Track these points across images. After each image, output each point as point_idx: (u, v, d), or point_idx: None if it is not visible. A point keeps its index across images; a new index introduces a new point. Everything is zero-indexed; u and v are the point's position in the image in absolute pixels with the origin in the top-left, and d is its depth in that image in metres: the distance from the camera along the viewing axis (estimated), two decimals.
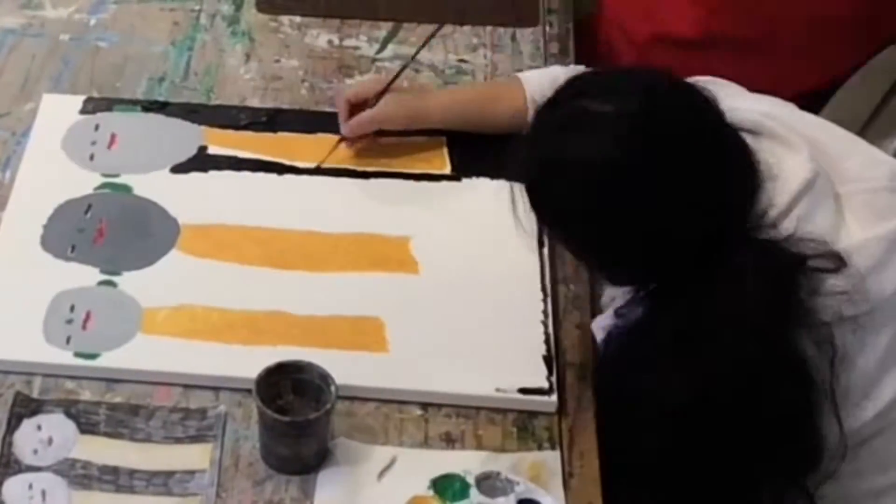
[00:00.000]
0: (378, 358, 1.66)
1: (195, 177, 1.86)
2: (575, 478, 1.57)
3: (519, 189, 1.54)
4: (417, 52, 1.91)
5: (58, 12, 2.11)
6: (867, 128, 2.06)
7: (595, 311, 1.73)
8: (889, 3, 2.06)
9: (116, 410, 1.60)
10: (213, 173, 1.86)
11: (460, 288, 1.73)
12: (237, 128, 1.93)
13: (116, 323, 1.67)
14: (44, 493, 1.52)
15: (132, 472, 1.54)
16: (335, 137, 1.90)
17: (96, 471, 1.54)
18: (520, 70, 2.03)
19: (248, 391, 1.54)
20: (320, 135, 1.92)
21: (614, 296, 1.66)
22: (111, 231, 1.78)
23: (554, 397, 1.62)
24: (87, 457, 1.55)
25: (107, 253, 1.75)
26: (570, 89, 1.53)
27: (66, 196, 1.81)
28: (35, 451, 1.56)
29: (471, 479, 1.52)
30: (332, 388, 1.52)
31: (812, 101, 2.11)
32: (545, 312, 1.71)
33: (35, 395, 1.61)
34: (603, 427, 1.61)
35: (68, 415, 1.59)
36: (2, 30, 2.06)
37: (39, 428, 1.58)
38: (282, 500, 1.53)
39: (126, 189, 1.83)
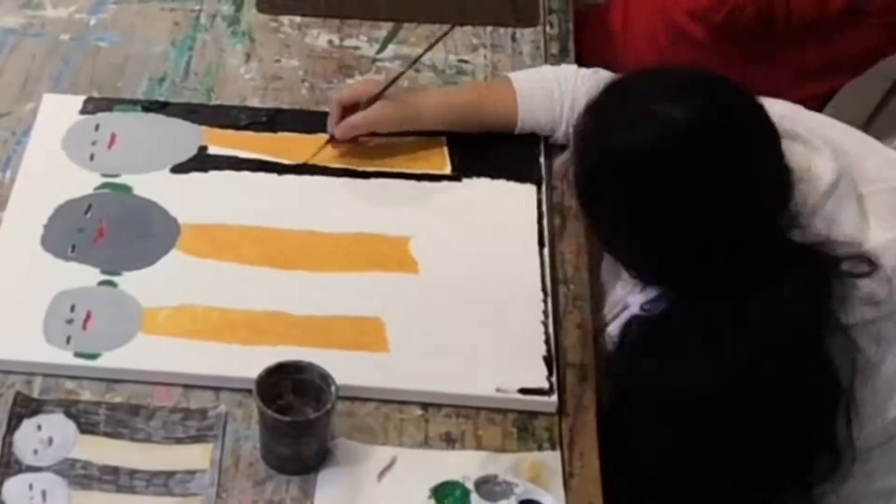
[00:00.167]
0: (378, 358, 1.66)
1: (195, 177, 1.86)
2: (575, 478, 1.57)
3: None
4: (416, 61, 1.90)
5: (58, 12, 2.11)
6: (866, 128, 2.06)
7: (595, 312, 1.73)
8: None
9: (117, 410, 1.60)
10: (213, 173, 1.86)
11: (460, 288, 1.74)
12: (237, 128, 1.93)
13: (117, 323, 1.67)
14: (44, 494, 1.52)
15: (132, 473, 1.54)
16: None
17: (96, 471, 1.54)
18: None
19: (249, 391, 1.54)
20: (320, 135, 1.92)
21: (619, 301, 1.66)
22: (111, 231, 1.78)
23: (554, 397, 1.63)
24: (87, 457, 1.55)
25: (107, 253, 1.75)
26: (632, 86, 1.53)
27: (67, 196, 1.81)
28: (35, 452, 1.56)
29: (470, 485, 1.52)
30: (333, 388, 1.52)
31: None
32: (545, 312, 1.71)
33: (35, 395, 1.61)
34: (605, 424, 1.61)
35: (68, 415, 1.59)
36: (2, 29, 2.06)
37: (40, 428, 1.58)
38: (282, 501, 1.53)
39: (126, 189, 1.83)
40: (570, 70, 1.90)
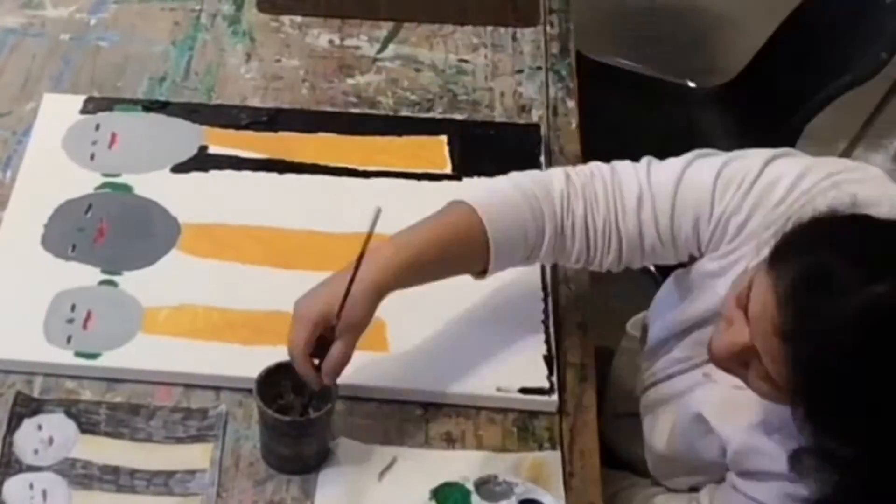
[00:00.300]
0: (378, 358, 1.66)
1: (196, 176, 1.86)
2: (576, 477, 1.57)
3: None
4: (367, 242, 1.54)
5: (58, 12, 2.11)
6: (865, 128, 2.06)
7: (595, 313, 1.73)
8: None
9: (117, 410, 1.60)
10: (213, 173, 1.86)
11: (461, 288, 1.73)
12: (238, 127, 1.93)
13: (117, 323, 1.67)
14: (44, 493, 1.52)
15: (133, 472, 1.55)
16: (336, 137, 1.90)
17: (97, 470, 1.55)
18: (520, 71, 2.04)
19: (249, 391, 1.54)
20: (321, 134, 1.92)
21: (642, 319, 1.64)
22: (112, 231, 1.78)
23: (554, 397, 1.63)
24: (87, 456, 1.56)
25: (107, 252, 1.75)
26: (848, 258, 1.32)
27: (67, 196, 1.81)
28: (36, 451, 1.56)
29: (470, 486, 1.52)
30: (333, 388, 1.52)
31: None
32: (546, 312, 1.71)
33: (36, 394, 1.61)
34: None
35: (69, 414, 1.59)
36: (2, 29, 2.06)
37: (40, 428, 1.58)
38: (282, 500, 1.53)
39: (126, 189, 1.83)
40: (552, 187, 1.61)
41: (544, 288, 1.74)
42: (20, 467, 1.54)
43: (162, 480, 1.54)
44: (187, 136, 1.91)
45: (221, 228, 1.79)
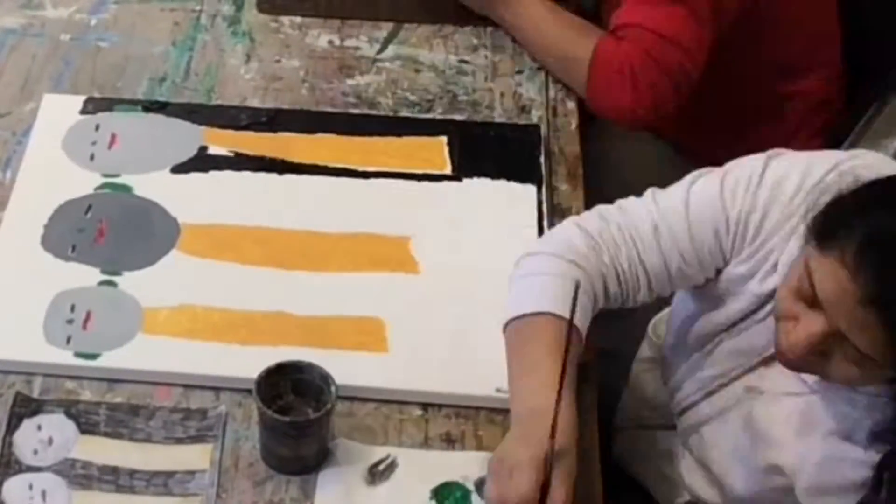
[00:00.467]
0: (378, 358, 1.66)
1: (195, 177, 1.86)
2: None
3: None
4: None
5: (58, 12, 2.10)
6: (864, 129, 2.06)
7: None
8: None
9: (117, 410, 1.60)
10: (213, 173, 1.86)
11: (460, 288, 1.73)
12: (237, 128, 1.92)
13: (117, 323, 1.67)
14: (44, 494, 1.52)
15: (132, 473, 1.54)
16: (336, 137, 1.91)
17: (96, 471, 1.54)
18: (520, 71, 2.04)
19: (249, 391, 1.54)
20: (320, 135, 1.92)
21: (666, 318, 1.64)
22: (111, 231, 1.78)
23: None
24: (87, 457, 1.55)
25: (107, 253, 1.75)
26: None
27: (67, 196, 1.81)
28: (35, 452, 1.56)
29: (470, 486, 1.52)
30: (333, 389, 1.52)
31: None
32: None
33: (35, 395, 1.61)
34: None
35: (68, 415, 1.59)
36: (2, 30, 2.06)
37: (40, 428, 1.58)
38: (282, 501, 1.53)
39: (126, 189, 1.83)
40: (576, 248, 1.60)
41: None
42: (20, 467, 1.54)
43: (161, 481, 1.54)
44: (187, 137, 1.91)
45: (221, 229, 1.79)
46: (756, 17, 1.97)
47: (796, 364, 1.43)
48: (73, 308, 1.68)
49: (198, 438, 1.58)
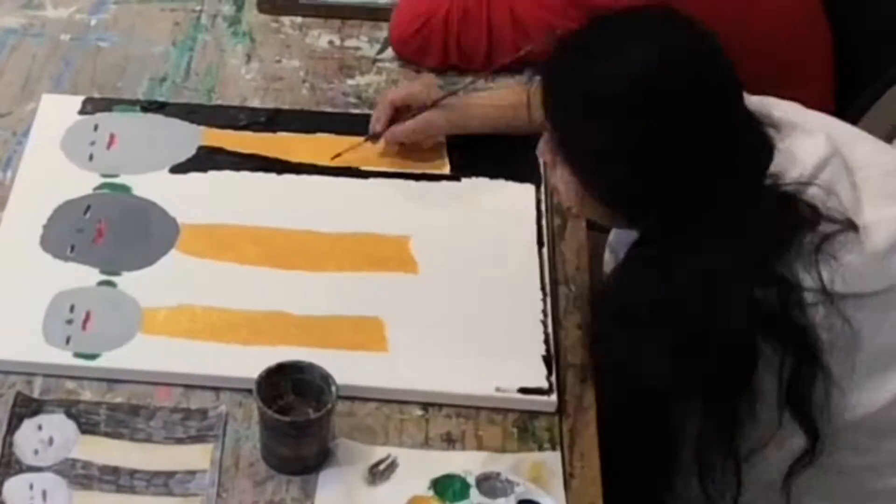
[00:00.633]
0: (378, 358, 1.66)
1: (194, 177, 1.86)
2: (576, 478, 1.57)
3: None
4: (483, 77, 1.88)
5: (58, 12, 2.11)
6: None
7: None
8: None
9: (117, 410, 1.60)
10: (212, 173, 1.86)
11: (460, 288, 1.74)
12: (236, 128, 1.93)
13: (116, 323, 1.67)
14: (44, 494, 1.52)
15: (133, 473, 1.54)
16: (335, 137, 1.90)
17: (97, 471, 1.54)
18: (520, 72, 2.03)
19: (249, 391, 1.54)
20: (320, 135, 1.92)
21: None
22: (110, 231, 1.78)
23: (553, 397, 1.62)
24: (87, 457, 1.55)
25: (106, 253, 1.75)
26: (591, 32, 1.55)
27: (66, 196, 1.81)
28: (36, 452, 1.55)
29: (471, 480, 1.53)
30: (333, 389, 1.52)
31: None
32: (545, 312, 1.71)
33: (36, 395, 1.61)
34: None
35: (69, 415, 1.59)
36: (3, 30, 2.06)
37: (40, 428, 1.58)
38: (282, 501, 1.53)
39: (125, 189, 1.83)
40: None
41: (543, 288, 1.74)
42: (20, 468, 1.54)
43: (162, 481, 1.54)
44: (186, 137, 1.91)
45: (220, 229, 1.79)
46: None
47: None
48: (72, 308, 1.68)
49: (198, 438, 1.58)
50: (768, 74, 1.96)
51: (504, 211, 1.83)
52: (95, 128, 1.91)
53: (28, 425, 1.58)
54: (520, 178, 1.87)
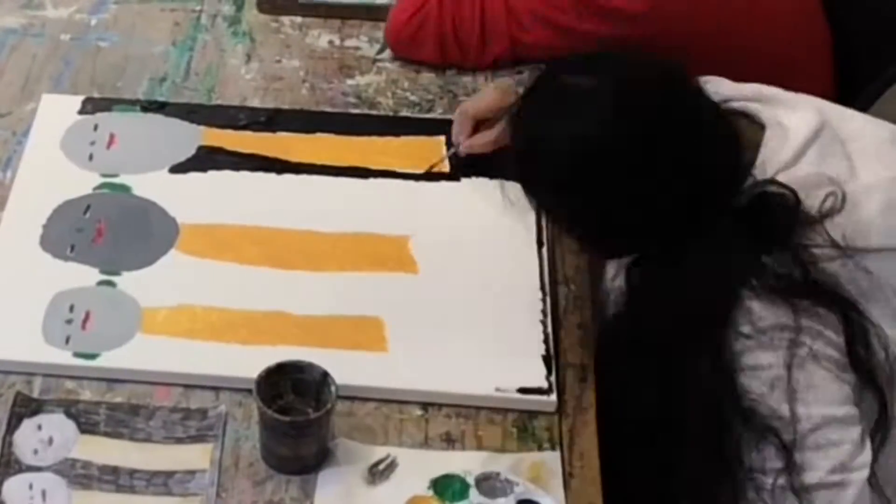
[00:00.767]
0: (378, 358, 1.65)
1: (194, 177, 1.86)
2: (575, 478, 1.57)
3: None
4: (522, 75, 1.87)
5: (58, 12, 2.11)
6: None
7: (594, 309, 1.73)
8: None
9: (117, 410, 1.60)
10: (212, 173, 1.86)
11: (460, 288, 1.73)
12: (236, 128, 1.93)
13: (116, 323, 1.67)
14: (44, 493, 1.52)
15: (132, 472, 1.54)
16: (335, 137, 1.90)
17: (96, 471, 1.54)
18: (520, 71, 2.03)
19: (249, 391, 1.54)
20: (319, 134, 1.92)
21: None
22: (110, 231, 1.78)
23: (553, 397, 1.62)
24: (87, 457, 1.55)
25: (106, 253, 1.75)
26: (550, 71, 1.58)
27: (65, 196, 1.81)
28: (35, 451, 1.55)
29: (471, 480, 1.53)
30: (333, 388, 1.52)
31: None
32: (544, 312, 1.71)
33: (35, 395, 1.61)
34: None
35: (69, 415, 1.59)
36: (3, 30, 2.06)
37: (40, 428, 1.57)
38: (282, 500, 1.53)
39: (125, 189, 1.83)
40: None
41: (543, 288, 1.74)
42: (20, 467, 1.54)
43: (161, 480, 1.54)
44: (186, 137, 1.91)
45: (220, 229, 1.79)
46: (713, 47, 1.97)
47: None
48: (71, 308, 1.68)
49: (198, 438, 1.58)
50: (768, 74, 1.96)
51: (503, 210, 1.83)
52: (95, 128, 1.91)
53: (28, 425, 1.58)
54: None
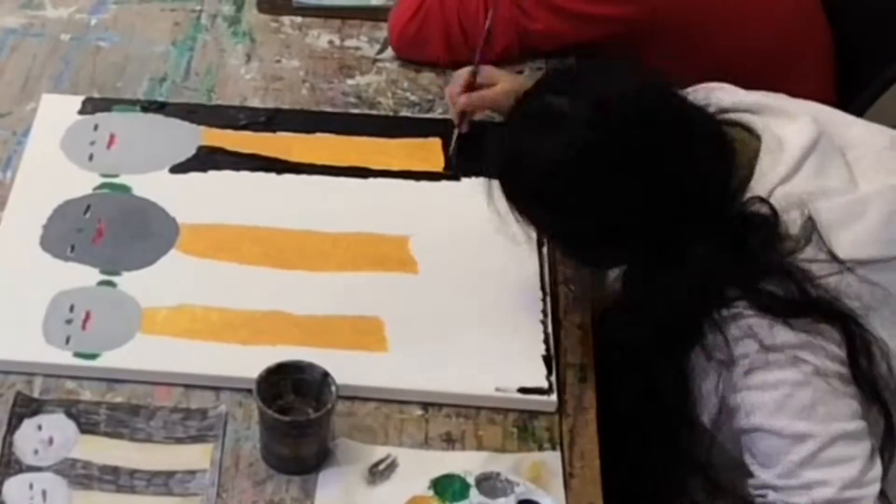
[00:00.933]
0: (378, 358, 1.66)
1: (194, 177, 1.86)
2: (576, 478, 1.57)
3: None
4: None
5: (58, 12, 2.11)
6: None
7: (595, 310, 1.73)
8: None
9: (117, 410, 1.60)
10: (212, 173, 1.86)
11: (460, 287, 1.74)
12: (236, 128, 1.93)
13: (116, 323, 1.67)
14: (44, 493, 1.52)
15: (133, 472, 1.54)
16: (335, 137, 1.91)
17: (97, 471, 1.54)
18: (520, 71, 2.03)
19: (249, 391, 1.54)
20: (319, 134, 1.92)
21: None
22: (110, 231, 1.78)
23: (553, 397, 1.63)
24: (87, 457, 1.55)
25: (106, 253, 1.75)
26: (537, 86, 1.60)
27: (66, 196, 1.81)
28: (36, 451, 1.55)
29: (471, 480, 1.53)
30: (333, 388, 1.52)
31: None
32: (545, 312, 1.71)
33: (36, 395, 1.61)
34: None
35: (69, 415, 1.59)
36: (3, 30, 2.06)
37: (40, 428, 1.57)
38: (282, 500, 1.53)
39: (125, 189, 1.83)
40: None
41: (543, 288, 1.74)
42: (20, 467, 1.54)
43: (162, 481, 1.54)
44: (186, 137, 1.91)
45: (220, 229, 1.79)
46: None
47: None
48: (72, 308, 1.68)
49: (198, 438, 1.58)
50: (768, 74, 1.97)
51: (504, 211, 1.83)
52: (95, 128, 1.91)
53: (28, 425, 1.58)
54: None
